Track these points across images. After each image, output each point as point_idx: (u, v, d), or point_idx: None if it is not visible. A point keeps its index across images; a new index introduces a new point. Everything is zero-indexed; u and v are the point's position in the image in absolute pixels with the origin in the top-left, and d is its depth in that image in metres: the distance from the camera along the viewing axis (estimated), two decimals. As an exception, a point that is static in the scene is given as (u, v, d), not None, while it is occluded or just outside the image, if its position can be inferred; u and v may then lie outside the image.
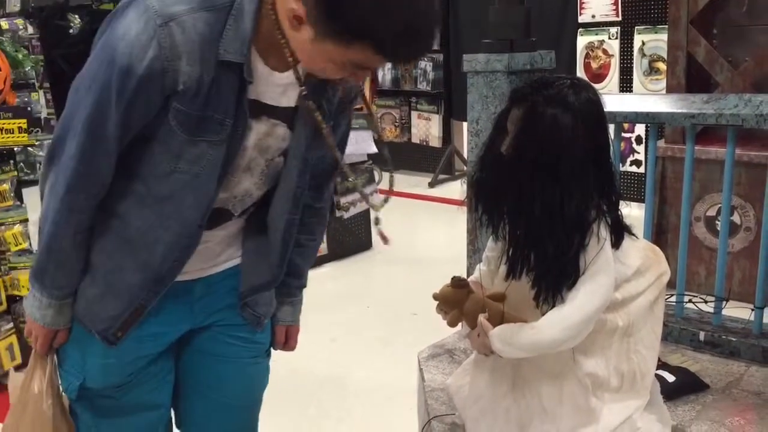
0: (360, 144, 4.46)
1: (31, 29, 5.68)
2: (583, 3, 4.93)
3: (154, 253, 1.28)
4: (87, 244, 1.28)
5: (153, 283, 1.30)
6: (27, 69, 5.03)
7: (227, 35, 1.14)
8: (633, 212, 3.36)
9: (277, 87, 1.25)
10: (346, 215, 4.47)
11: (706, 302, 2.29)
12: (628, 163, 4.83)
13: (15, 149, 3.03)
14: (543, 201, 1.42)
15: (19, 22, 6.08)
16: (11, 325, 2.90)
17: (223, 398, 1.49)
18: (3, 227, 2.89)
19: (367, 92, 4.83)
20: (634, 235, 1.59)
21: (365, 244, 4.71)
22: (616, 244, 1.52)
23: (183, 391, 1.49)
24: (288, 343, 1.60)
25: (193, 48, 1.13)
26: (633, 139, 4.85)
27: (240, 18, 1.14)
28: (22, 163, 5.71)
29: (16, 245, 2.88)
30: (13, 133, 2.91)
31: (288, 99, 1.27)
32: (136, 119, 1.17)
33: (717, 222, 3.32)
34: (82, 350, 1.36)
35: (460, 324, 1.64)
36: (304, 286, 1.59)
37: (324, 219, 1.57)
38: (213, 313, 1.45)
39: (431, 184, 6.36)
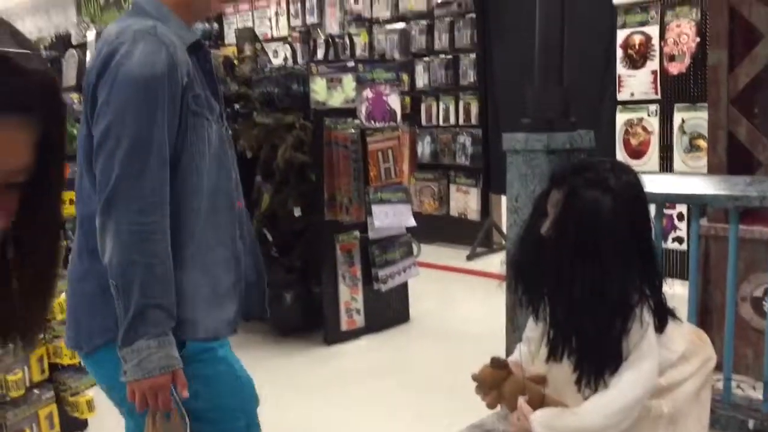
0: (398, 217, 4.50)
1: (85, 103, 5.92)
2: (622, 81, 4.98)
3: (225, 240, 1.50)
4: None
5: (238, 264, 1.54)
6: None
7: (175, 29, 1.43)
8: (676, 290, 3.30)
9: None
10: (384, 288, 4.47)
11: (754, 388, 2.22)
12: (669, 240, 4.77)
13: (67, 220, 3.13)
14: (584, 284, 1.42)
15: (74, 96, 6.36)
16: (52, 393, 2.93)
17: None
18: (49, 295, 2.95)
19: (406, 165, 4.90)
20: (678, 318, 1.57)
21: (402, 317, 4.68)
22: (660, 328, 1.50)
23: None
24: None
25: (177, 41, 1.41)
26: (675, 216, 4.80)
27: (164, 16, 1.44)
28: (70, 231, 5.86)
29: (62, 313, 2.94)
30: (65, 203, 3.00)
31: None
32: (172, 123, 1.38)
33: (764, 303, 3.24)
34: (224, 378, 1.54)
35: (499, 405, 1.62)
36: None
37: None
38: None
39: (469, 257, 6.34)
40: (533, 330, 1.66)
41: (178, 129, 1.40)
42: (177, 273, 1.41)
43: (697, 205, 2.22)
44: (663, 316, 1.51)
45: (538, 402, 1.52)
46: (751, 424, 2.08)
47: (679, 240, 4.77)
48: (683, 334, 1.55)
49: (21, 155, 0.63)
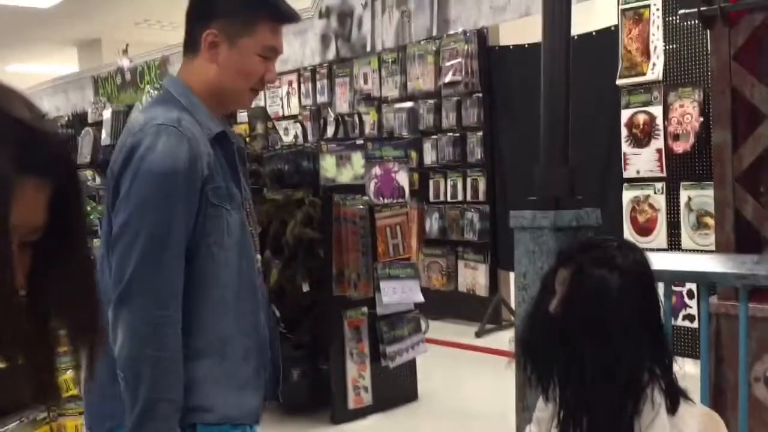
0: (406, 293, 4.49)
1: (99, 180, 6.04)
2: (627, 159, 5.04)
3: (247, 329, 1.51)
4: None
5: (261, 353, 1.54)
6: (91, 218, 5.30)
7: (201, 120, 1.47)
8: (687, 370, 3.24)
9: None
10: (392, 365, 4.42)
11: (772, 472, 2.16)
12: (680, 317, 4.72)
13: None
14: (592, 363, 1.41)
15: (89, 173, 6.48)
16: (54, 472, 2.88)
17: None
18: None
19: (414, 241, 4.93)
20: (690, 399, 1.55)
21: (411, 395, 4.61)
22: (672, 409, 1.47)
23: None
24: None
25: (199, 134, 1.44)
26: (684, 293, 4.77)
27: (194, 106, 1.48)
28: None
29: (67, 391, 2.91)
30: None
31: None
32: (191, 216, 1.40)
33: (779, 383, 3.17)
34: None
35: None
36: None
37: None
38: None
39: (478, 334, 6.28)
40: (543, 410, 1.63)
41: (196, 220, 1.42)
42: (193, 362, 1.42)
43: (705, 283, 2.21)
44: (675, 396, 1.49)
45: (550, 485, 1.49)
46: None
47: (690, 318, 4.72)
48: (695, 415, 1.53)
49: (38, 215, 0.67)
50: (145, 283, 1.35)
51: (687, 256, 2.63)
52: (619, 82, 5.04)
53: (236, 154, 1.54)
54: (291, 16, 1.55)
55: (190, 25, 1.53)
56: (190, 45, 1.53)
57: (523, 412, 2.39)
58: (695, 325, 4.64)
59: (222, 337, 1.46)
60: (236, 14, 1.48)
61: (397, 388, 4.53)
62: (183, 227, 1.38)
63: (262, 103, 8.01)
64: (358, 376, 4.32)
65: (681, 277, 2.23)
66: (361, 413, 4.31)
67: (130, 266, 1.35)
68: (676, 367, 1.54)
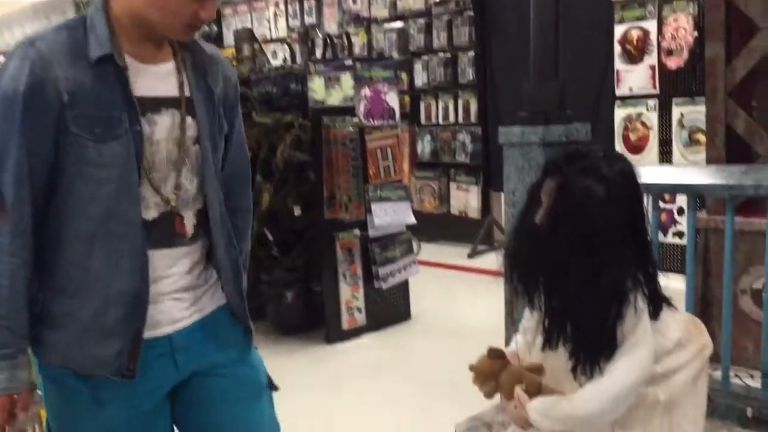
0: (398, 215, 4.50)
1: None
2: (620, 76, 4.98)
3: (121, 271, 1.38)
4: (29, 295, 1.36)
5: (135, 302, 1.39)
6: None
7: (90, 40, 1.35)
8: (677, 285, 3.29)
9: (157, 78, 1.42)
10: (384, 286, 4.47)
11: (752, 377, 2.22)
12: (670, 234, 4.77)
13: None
14: (578, 271, 1.42)
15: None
16: None
17: None
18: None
19: (405, 164, 4.91)
20: (673, 306, 1.57)
21: (403, 315, 4.69)
22: (655, 315, 1.50)
23: None
24: None
25: (61, 54, 1.32)
26: (675, 210, 4.80)
27: (94, 26, 1.37)
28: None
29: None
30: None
31: (171, 88, 1.44)
32: (37, 142, 1.32)
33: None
34: (74, 421, 1.42)
35: (498, 395, 1.62)
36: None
37: (249, 219, 1.71)
38: (195, 360, 1.51)
39: (470, 255, 6.35)
40: (529, 320, 1.66)
41: (57, 149, 1.34)
42: (53, 296, 1.39)
43: (693, 195, 2.22)
44: (658, 303, 1.52)
45: (535, 391, 1.53)
46: (749, 412, 2.08)
47: (680, 234, 4.76)
48: (678, 321, 1.56)
49: None
50: None
51: (675, 169, 2.63)
52: (612, -4, 4.93)
53: (129, 80, 1.38)
54: None
55: None
56: None
57: (512, 326, 2.44)
58: (684, 242, 4.70)
59: (88, 276, 1.37)
60: None
61: (390, 309, 4.61)
62: (20, 151, 1.31)
63: (248, 25, 7.84)
64: (351, 297, 4.38)
65: (668, 189, 2.23)
66: (355, 333, 4.39)
67: None
68: (660, 277, 1.56)
